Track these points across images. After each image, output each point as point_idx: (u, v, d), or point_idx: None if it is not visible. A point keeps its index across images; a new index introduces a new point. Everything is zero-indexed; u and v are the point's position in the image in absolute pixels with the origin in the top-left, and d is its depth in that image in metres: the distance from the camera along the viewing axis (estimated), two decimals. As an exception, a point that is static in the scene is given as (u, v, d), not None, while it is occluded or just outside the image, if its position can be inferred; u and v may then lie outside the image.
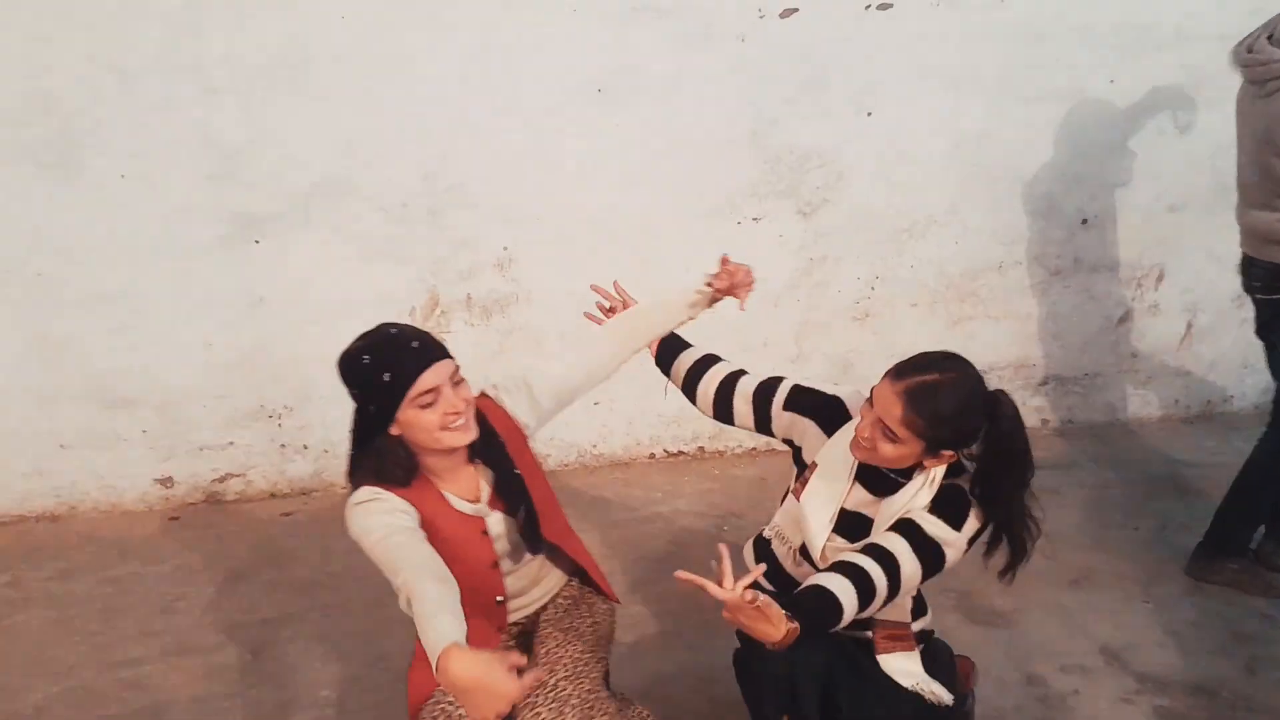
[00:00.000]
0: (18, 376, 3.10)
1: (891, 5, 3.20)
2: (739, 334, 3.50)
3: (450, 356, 1.62)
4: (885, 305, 3.57)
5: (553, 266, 3.30)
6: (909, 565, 1.66)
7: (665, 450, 3.64)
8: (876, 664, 1.82)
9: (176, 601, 2.74)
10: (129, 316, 3.11)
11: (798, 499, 1.84)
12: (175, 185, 3.00)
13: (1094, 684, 2.36)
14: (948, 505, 1.71)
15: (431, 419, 1.58)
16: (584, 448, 3.59)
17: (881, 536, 1.70)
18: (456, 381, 1.62)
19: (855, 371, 3.61)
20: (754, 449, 3.69)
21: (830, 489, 1.81)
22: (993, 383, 1.73)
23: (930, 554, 1.67)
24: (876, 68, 3.27)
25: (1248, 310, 3.72)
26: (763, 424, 1.95)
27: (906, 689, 1.80)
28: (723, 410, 1.98)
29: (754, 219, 3.39)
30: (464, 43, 3.05)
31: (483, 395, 1.79)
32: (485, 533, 1.74)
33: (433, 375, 1.56)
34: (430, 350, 1.59)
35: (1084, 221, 3.60)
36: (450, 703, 1.69)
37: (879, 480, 1.77)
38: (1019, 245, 3.59)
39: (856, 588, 1.61)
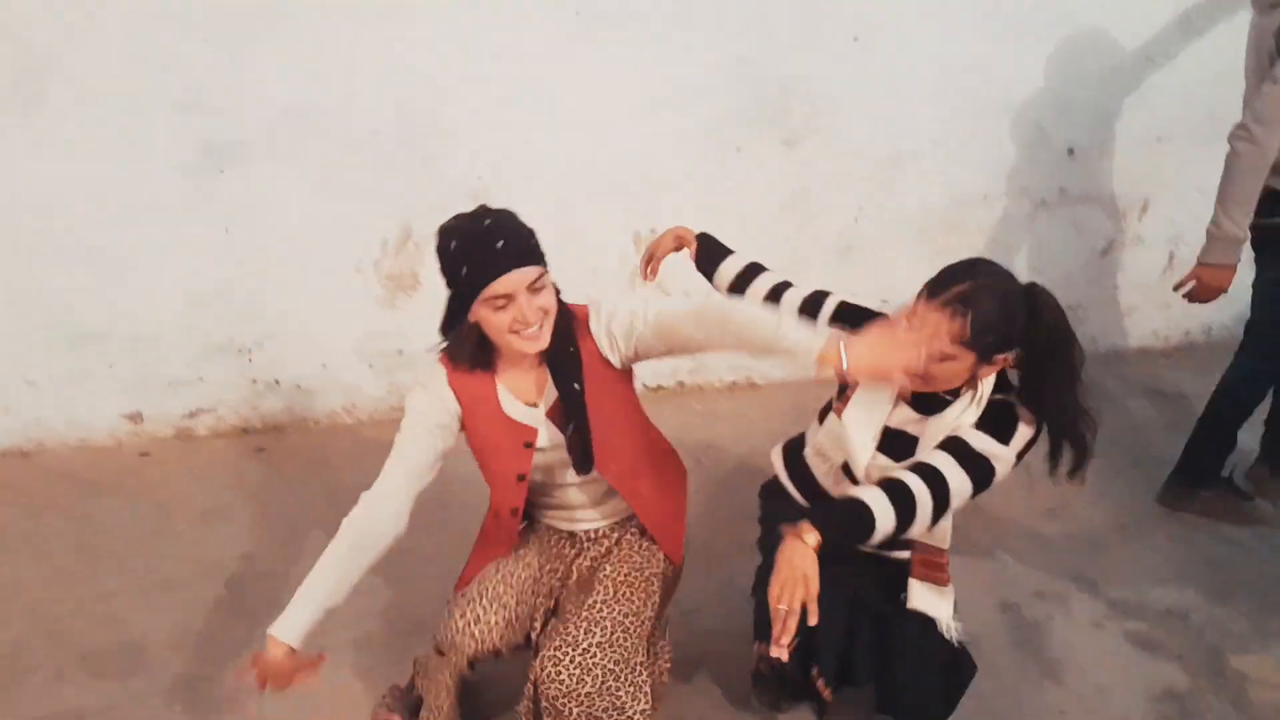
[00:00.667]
0: (-21, 310, 3.01)
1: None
2: (720, 266, 3.46)
3: (535, 262, 1.58)
4: (869, 239, 3.52)
5: (528, 197, 3.20)
6: (956, 480, 1.64)
7: (644, 385, 3.61)
8: (898, 625, 1.81)
9: (151, 537, 2.71)
10: (94, 251, 3.01)
11: (839, 416, 1.83)
12: (137, 113, 2.88)
13: (1066, 610, 2.40)
14: (995, 420, 1.69)
15: (502, 321, 1.59)
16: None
17: (927, 454, 1.68)
18: (536, 289, 1.59)
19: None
20: (734, 383, 3.67)
21: (874, 406, 1.79)
22: None
23: (979, 468, 1.66)
24: (863, -8, 3.18)
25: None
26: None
27: (928, 652, 1.79)
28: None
29: (736, 149, 3.31)
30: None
31: (582, 306, 1.74)
32: (530, 444, 1.75)
33: (507, 282, 1.54)
34: (512, 255, 1.55)
35: (1070, 152, 3.55)
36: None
37: (924, 397, 1.75)
38: (1005, 177, 3.54)
39: (895, 503, 1.60)
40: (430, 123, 3.07)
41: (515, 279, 1.55)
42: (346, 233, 3.13)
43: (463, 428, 1.76)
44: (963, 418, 1.71)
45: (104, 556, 2.63)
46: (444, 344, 1.73)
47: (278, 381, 3.30)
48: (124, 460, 3.15)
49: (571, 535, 1.94)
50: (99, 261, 3.02)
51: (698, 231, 2.12)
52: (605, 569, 1.84)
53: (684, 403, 3.54)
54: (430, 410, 1.72)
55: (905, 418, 1.78)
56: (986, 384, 1.72)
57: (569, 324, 1.69)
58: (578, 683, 1.66)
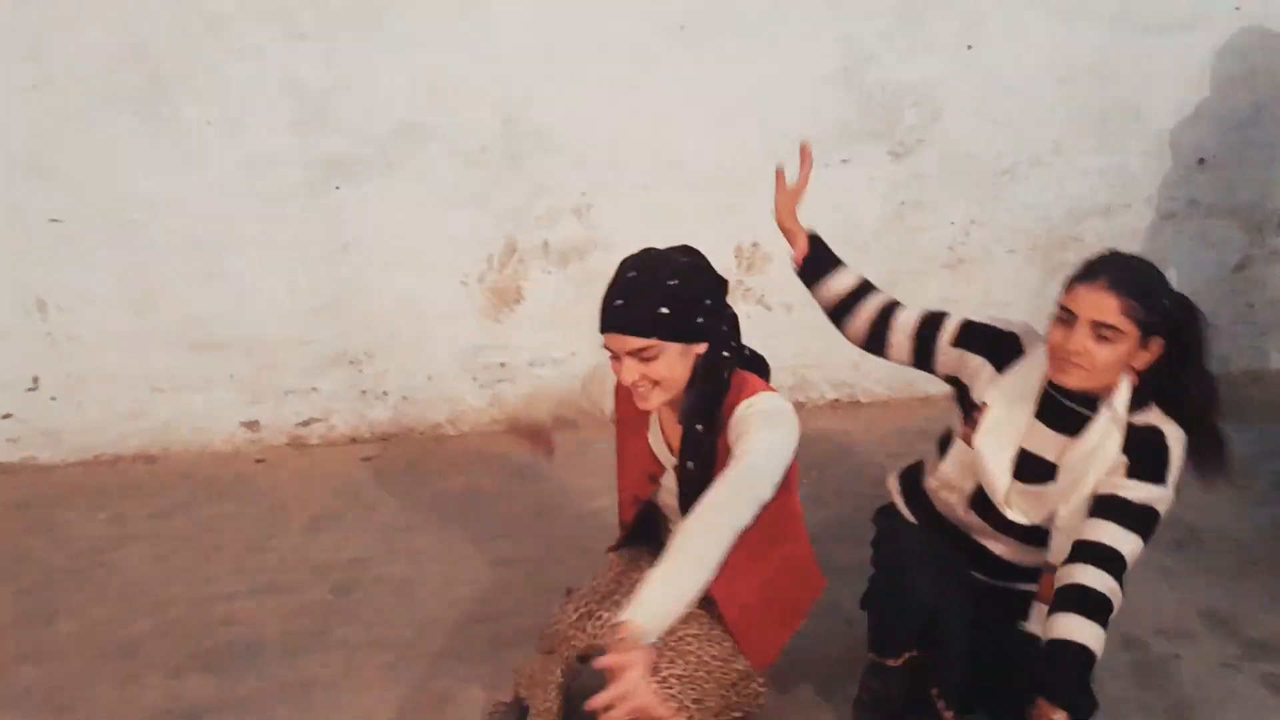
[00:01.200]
0: (113, 321, 3.18)
1: (995, -71, 2.99)
2: (824, 281, 3.40)
3: (648, 333, 1.53)
4: (981, 252, 3.40)
5: (632, 213, 3.23)
6: (1129, 548, 1.62)
7: (746, 400, 3.56)
8: (1023, 655, 1.74)
9: (266, 541, 2.81)
10: (217, 262, 3.16)
11: (969, 443, 1.77)
12: (260, 131, 3.02)
13: (1195, 649, 2.24)
14: (1146, 457, 1.65)
15: (623, 375, 1.59)
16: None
17: (1092, 529, 1.63)
18: (646, 358, 1.55)
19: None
20: (837, 400, 3.59)
21: (1008, 428, 1.74)
22: None
23: (1146, 522, 1.63)
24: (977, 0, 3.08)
25: (1383, 257, 3.46)
26: (924, 359, 1.87)
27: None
28: (876, 343, 1.92)
29: (843, 160, 3.25)
30: (543, -21, 2.96)
31: (756, 383, 1.67)
32: (654, 478, 1.76)
33: (611, 341, 1.57)
34: (621, 318, 1.55)
35: (1201, 161, 3.35)
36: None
37: (1060, 415, 1.69)
38: (1128, 187, 3.37)
39: (1097, 617, 1.58)
40: (536, 137, 3.11)
41: (617, 341, 1.55)
42: (454, 247, 3.20)
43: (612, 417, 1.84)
44: (1106, 444, 1.64)
45: (221, 558, 2.73)
46: None
47: (386, 393, 3.39)
48: (241, 466, 3.28)
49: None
50: (222, 273, 3.17)
51: (808, 229, 2.02)
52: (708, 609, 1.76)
53: (786, 419, 3.48)
54: (596, 390, 1.87)
55: (1042, 440, 1.72)
56: (1122, 399, 1.65)
57: (710, 402, 1.61)
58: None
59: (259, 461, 3.31)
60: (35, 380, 3.25)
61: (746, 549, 1.52)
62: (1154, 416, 1.67)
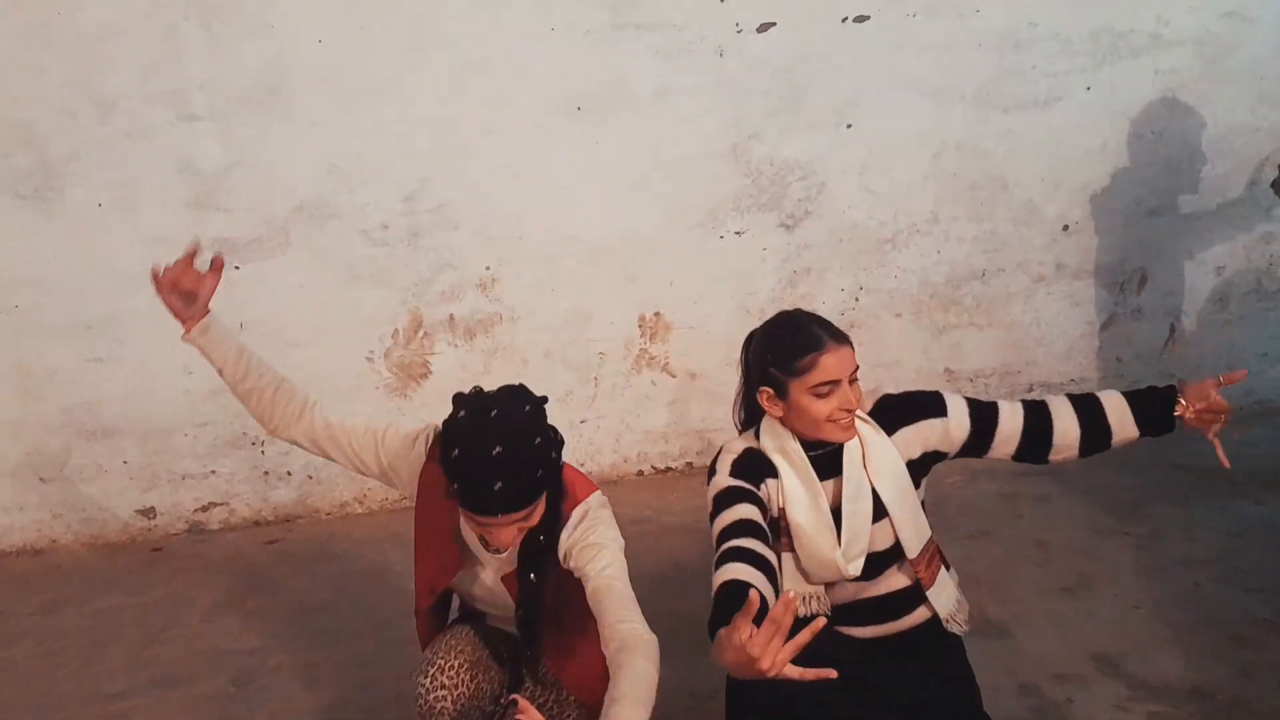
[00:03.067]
0: (-3, 409, 3.06)
1: (869, 18, 3.21)
2: (726, 349, 3.51)
3: (531, 501, 1.55)
4: (870, 316, 3.57)
5: (537, 285, 3.29)
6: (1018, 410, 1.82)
7: (653, 467, 3.62)
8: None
9: (162, 633, 2.70)
10: (108, 346, 3.08)
11: (792, 549, 1.80)
12: (154, 213, 2.98)
13: (1088, 692, 2.34)
14: (914, 408, 1.80)
15: (477, 529, 1.60)
16: (571, 465, 3.57)
17: (1013, 420, 1.80)
18: (518, 520, 1.56)
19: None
20: (743, 463, 3.67)
21: (813, 516, 1.78)
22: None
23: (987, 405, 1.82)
24: (855, 79, 3.28)
25: (1230, 312, 3.76)
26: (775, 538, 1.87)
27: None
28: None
29: (736, 233, 3.39)
30: (443, 63, 3.04)
31: (582, 486, 1.74)
32: (450, 571, 1.76)
33: (492, 521, 1.54)
34: (507, 500, 1.51)
35: (1065, 228, 3.61)
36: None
37: (827, 464, 1.77)
38: (1001, 252, 3.60)
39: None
40: (438, 213, 3.16)
41: (502, 521, 1.54)
42: (358, 324, 3.19)
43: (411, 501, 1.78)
44: (877, 441, 1.77)
45: (113, 654, 2.62)
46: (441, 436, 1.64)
47: (289, 473, 3.32)
48: (137, 556, 3.16)
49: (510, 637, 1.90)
50: (112, 357, 3.09)
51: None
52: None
53: (694, 485, 3.54)
54: (398, 453, 1.75)
55: (835, 493, 1.78)
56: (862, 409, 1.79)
57: (551, 518, 1.66)
58: None
59: (156, 550, 3.19)
60: (-91, 474, 3.09)
61: (588, 637, 1.66)
62: (869, 399, 1.83)
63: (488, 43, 3.04)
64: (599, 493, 1.74)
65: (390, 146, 3.07)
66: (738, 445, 1.83)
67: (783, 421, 1.77)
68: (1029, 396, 3.75)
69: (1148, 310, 3.76)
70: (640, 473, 3.61)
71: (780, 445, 1.78)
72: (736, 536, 1.66)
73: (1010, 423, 1.79)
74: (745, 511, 1.71)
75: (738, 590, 1.51)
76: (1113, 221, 3.63)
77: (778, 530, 1.80)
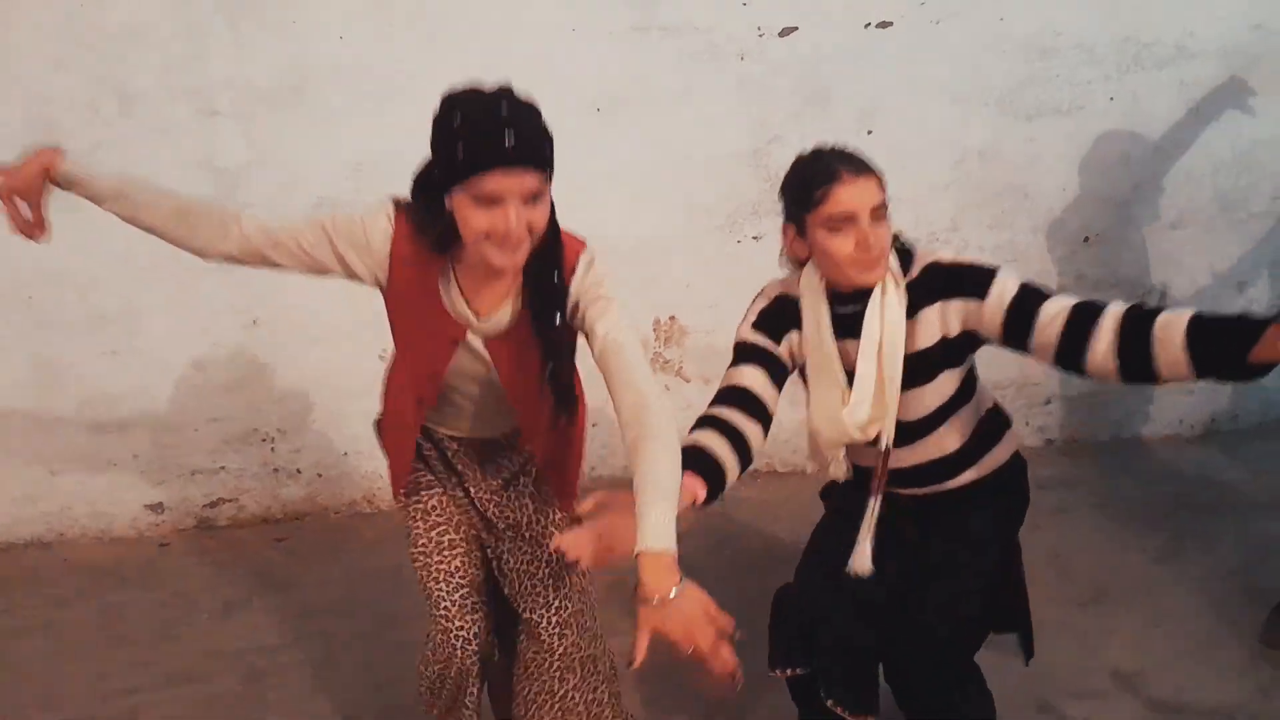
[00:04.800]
0: (10, 401, 3.05)
1: (892, 23, 3.19)
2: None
3: (542, 168, 1.40)
4: (888, 324, 3.54)
5: (552, 286, 3.26)
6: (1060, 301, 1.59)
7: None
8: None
9: (171, 630, 2.69)
10: (123, 340, 3.07)
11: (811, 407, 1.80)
12: (170, 206, 2.97)
13: (1107, 711, 2.32)
14: (965, 282, 1.66)
15: (481, 223, 1.39)
16: (582, 468, 3.54)
17: (1055, 319, 1.56)
18: (533, 201, 1.40)
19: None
20: (755, 470, 3.64)
21: (828, 376, 1.74)
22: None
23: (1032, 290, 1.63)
24: (877, 85, 3.26)
25: (1253, 327, 3.72)
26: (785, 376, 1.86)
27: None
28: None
29: (755, 237, 3.36)
30: (465, 63, 3.01)
31: (578, 242, 1.60)
32: (456, 341, 1.60)
33: (503, 183, 1.35)
34: (520, 153, 1.35)
35: (1086, 239, 3.58)
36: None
37: (855, 324, 1.69)
38: (1021, 263, 3.57)
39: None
40: (455, 215, 3.14)
41: (513, 183, 1.36)
42: (372, 321, 3.15)
43: (380, 290, 1.61)
44: (895, 305, 1.66)
45: (124, 649, 2.60)
46: (406, 202, 1.56)
47: (299, 471, 3.30)
48: (145, 551, 3.15)
49: (463, 446, 1.80)
50: (126, 350, 3.08)
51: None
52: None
53: (706, 490, 3.51)
54: (351, 244, 1.53)
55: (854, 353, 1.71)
56: (894, 263, 1.69)
57: (558, 252, 1.53)
58: None
59: (164, 545, 3.18)
60: (-79, 464, 3.08)
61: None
62: (919, 263, 1.72)
63: (510, 43, 3.02)
64: (582, 243, 1.63)
65: (411, 145, 3.01)
66: (774, 289, 1.82)
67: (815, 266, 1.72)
68: (1046, 408, 3.74)
69: (1168, 323, 3.73)
70: (652, 477, 3.58)
71: (812, 295, 1.73)
72: (724, 404, 1.71)
73: (1046, 332, 1.57)
74: (748, 377, 1.73)
75: (694, 455, 1.59)
76: (1134, 234, 3.60)
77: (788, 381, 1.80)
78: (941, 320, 1.68)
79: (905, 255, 1.73)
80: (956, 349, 1.71)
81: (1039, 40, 3.28)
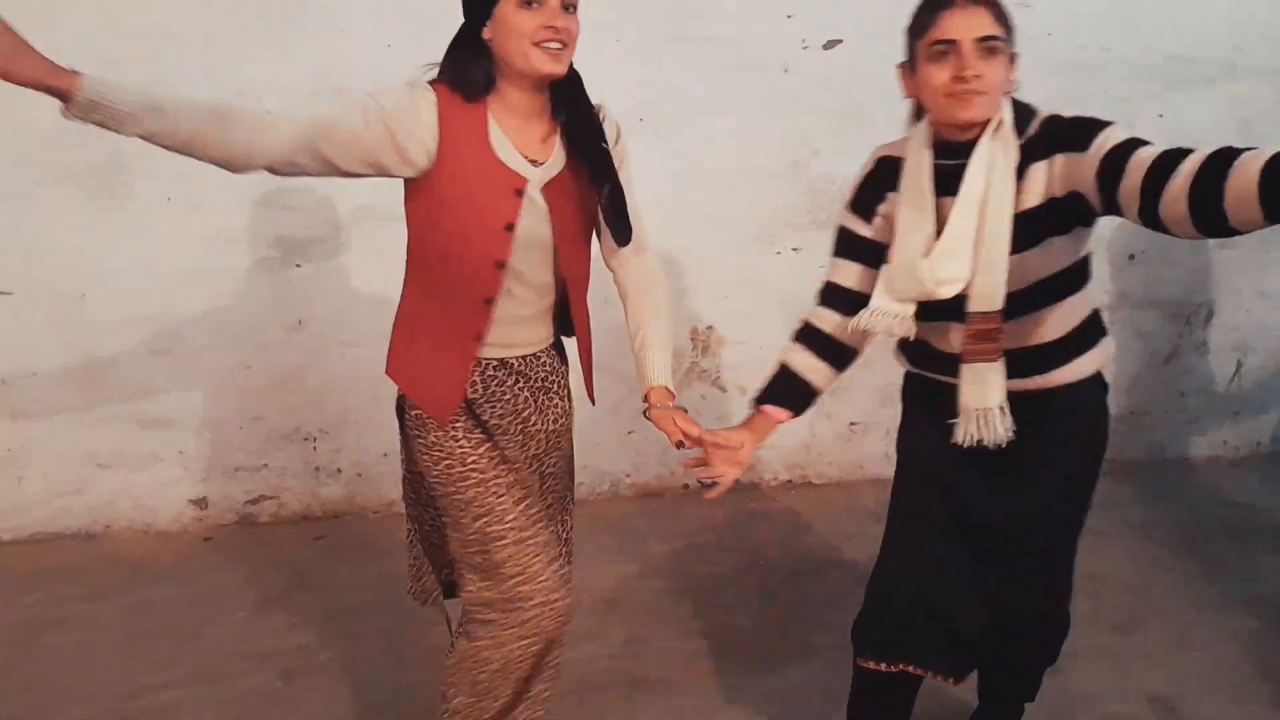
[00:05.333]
0: (59, 396, 3.13)
1: (936, 37, 3.18)
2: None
3: None
4: (925, 338, 3.52)
5: (590, 295, 3.27)
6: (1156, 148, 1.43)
7: (700, 481, 3.60)
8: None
9: (205, 626, 2.73)
10: (168, 338, 3.13)
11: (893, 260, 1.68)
12: (220, 210, 3.03)
13: (1143, 736, 2.29)
14: (1074, 133, 1.52)
15: (527, 25, 1.49)
16: (617, 476, 3.57)
17: (1141, 165, 1.38)
18: (570, 6, 1.54)
19: (894, 405, 3.54)
20: (789, 481, 3.64)
21: (916, 222, 1.64)
22: None
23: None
24: (920, 99, 3.25)
25: (1301, 350, 3.65)
26: (872, 258, 1.79)
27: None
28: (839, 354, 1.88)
29: (794, 249, 3.36)
30: (507, 71, 3.06)
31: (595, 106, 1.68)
32: (520, 192, 1.60)
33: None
34: None
35: (1131, 257, 3.53)
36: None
37: (955, 179, 1.59)
38: (1063, 280, 3.53)
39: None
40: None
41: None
42: (411, 326, 3.21)
43: (433, 168, 1.57)
44: (999, 160, 1.56)
45: (160, 644, 2.65)
46: (441, 67, 1.60)
47: (339, 470, 3.35)
48: (187, 545, 3.20)
49: (510, 370, 1.76)
50: (172, 349, 3.14)
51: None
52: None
53: (738, 503, 3.52)
54: (402, 116, 1.51)
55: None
56: (1009, 116, 1.58)
57: (580, 83, 1.65)
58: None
59: (206, 540, 3.23)
60: (-27, 455, 3.16)
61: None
62: (1034, 121, 1.60)
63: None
64: None
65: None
66: (881, 151, 1.77)
67: (923, 111, 1.64)
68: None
69: (1213, 344, 3.67)
70: (686, 486, 3.59)
71: (917, 146, 1.66)
72: (825, 304, 1.85)
73: (1132, 177, 1.41)
74: (843, 273, 1.81)
75: (785, 380, 1.85)
76: (1179, 252, 3.55)
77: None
78: (1048, 177, 1.57)
79: (1026, 113, 1.62)
80: (1063, 213, 1.57)
81: (1085, 56, 3.25)
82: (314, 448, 3.32)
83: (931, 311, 1.69)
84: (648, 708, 2.34)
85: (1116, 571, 2.94)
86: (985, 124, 1.58)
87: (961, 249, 1.60)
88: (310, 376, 3.24)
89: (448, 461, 1.72)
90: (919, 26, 1.58)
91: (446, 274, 1.67)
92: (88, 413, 3.16)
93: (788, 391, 1.85)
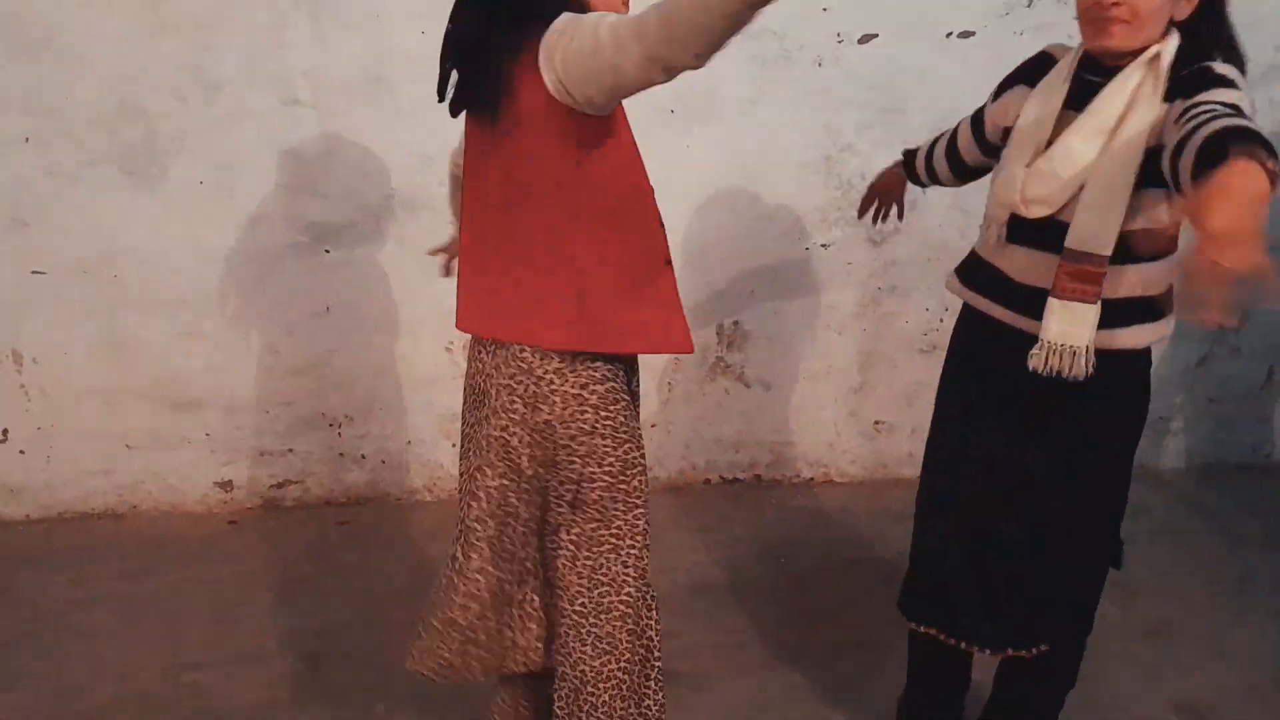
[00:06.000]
0: (89, 376, 3.15)
1: (974, 33, 3.14)
2: (803, 363, 3.47)
3: None
4: (954, 338, 3.49)
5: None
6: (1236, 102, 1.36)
7: (722, 477, 3.59)
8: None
9: (236, 608, 2.75)
10: (199, 321, 3.15)
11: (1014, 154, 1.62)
12: (252, 195, 3.04)
13: (1171, 745, 2.27)
14: (1217, 76, 1.43)
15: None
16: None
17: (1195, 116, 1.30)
18: None
19: (919, 404, 3.53)
20: (812, 479, 3.62)
21: (1033, 129, 1.58)
22: None
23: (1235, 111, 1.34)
24: (955, 96, 3.19)
25: (1339, 358, 3.60)
26: (983, 140, 1.91)
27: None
28: (961, 172, 2.08)
29: (823, 245, 3.34)
30: (540, 60, 3.05)
31: None
32: None
33: None
34: None
35: (1164, 259, 3.49)
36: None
37: (1081, 93, 1.54)
38: (1095, 281, 3.50)
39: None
40: (526, 212, 3.17)
41: None
42: (441, 313, 3.21)
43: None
44: (1135, 88, 1.46)
45: (189, 625, 2.67)
46: None
47: (364, 456, 3.36)
48: (213, 527, 3.23)
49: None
50: (202, 331, 3.15)
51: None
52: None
53: (761, 498, 3.51)
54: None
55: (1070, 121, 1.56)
56: (1169, 48, 1.47)
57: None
58: None
59: (231, 523, 3.25)
60: (4, 433, 3.19)
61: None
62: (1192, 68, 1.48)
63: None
64: None
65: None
66: (1051, 46, 1.73)
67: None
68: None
69: (1246, 350, 3.63)
70: (708, 480, 3.59)
71: (1072, 51, 1.62)
72: (943, 136, 2.07)
73: (1170, 137, 1.39)
74: (960, 130, 1.99)
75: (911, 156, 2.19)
76: (1215, 255, 3.50)
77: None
78: (1161, 122, 1.47)
79: (1200, 54, 1.49)
80: (1154, 165, 1.47)
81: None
82: (339, 433, 3.33)
83: (1023, 232, 1.62)
84: (677, 702, 2.34)
85: (1145, 579, 2.91)
86: (1137, 53, 1.48)
87: (1062, 170, 1.52)
88: (337, 362, 3.25)
89: (629, 444, 1.65)
90: None
91: (640, 206, 1.60)
92: (117, 393, 3.19)
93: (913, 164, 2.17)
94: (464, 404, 1.75)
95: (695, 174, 3.21)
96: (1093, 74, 1.55)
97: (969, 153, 1.96)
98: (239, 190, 3.03)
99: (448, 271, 2.31)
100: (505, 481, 1.62)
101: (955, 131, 2.01)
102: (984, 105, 1.90)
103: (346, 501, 3.39)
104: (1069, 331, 1.56)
